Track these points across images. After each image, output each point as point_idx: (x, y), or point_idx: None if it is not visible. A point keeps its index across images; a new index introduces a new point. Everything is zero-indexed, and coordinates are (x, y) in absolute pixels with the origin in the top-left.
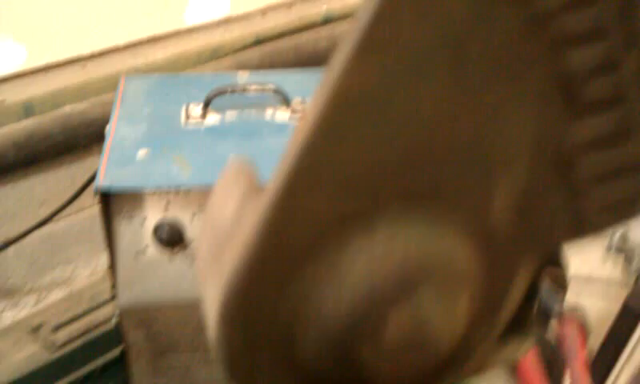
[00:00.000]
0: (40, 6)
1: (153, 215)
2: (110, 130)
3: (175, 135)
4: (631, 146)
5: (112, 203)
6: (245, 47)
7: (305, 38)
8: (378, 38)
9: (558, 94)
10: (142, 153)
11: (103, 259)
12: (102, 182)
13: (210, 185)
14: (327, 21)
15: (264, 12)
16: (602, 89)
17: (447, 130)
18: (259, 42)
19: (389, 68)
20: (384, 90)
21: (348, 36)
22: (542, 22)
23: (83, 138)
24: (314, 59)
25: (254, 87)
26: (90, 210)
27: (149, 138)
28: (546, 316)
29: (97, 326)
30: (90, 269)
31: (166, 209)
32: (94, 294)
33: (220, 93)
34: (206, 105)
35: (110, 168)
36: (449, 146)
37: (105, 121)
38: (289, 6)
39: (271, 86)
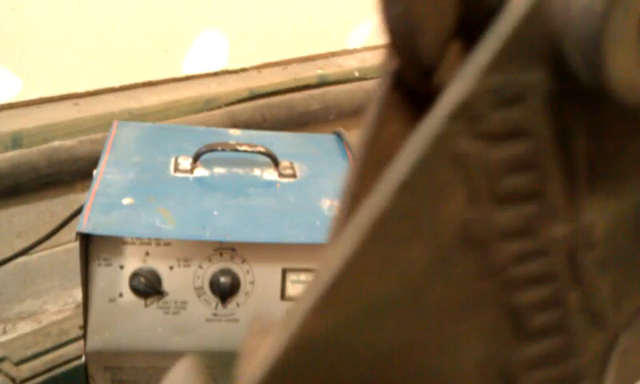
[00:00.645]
0: (41, 41)
1: (131, 263)
2: (98, 173)
3: (162, 186)
4: (571, 364)
5: (91, 246)
6: (238, 101)
7: (298, 97)
8: (340, 293)
9: (507, 325)
10: (127, 201)
11: (74, 296)
12: (84, 225)
13: (191, 239)
14: (321, 84)
15: (260, 69)
16: (547, 320)
17: (403, 361)
18: (253, 97)
19: (350, 316)
20: (344, 333)
21: (311, 288)
22: (495, 271)
23: (68, 174)
24: (305, 118)
25: (244, 147)
26: (65, 245)
27: (136, 186)
28: None
29: (62, 364)
30: (59, 305)
31: (145, 258)
32: (62, 331)
33: (210, 149)
34: (196, 159)
35: (94, 212)
36: (403, 375)
37: (92, 159)
38: (284, 65)
39: (261, 149)
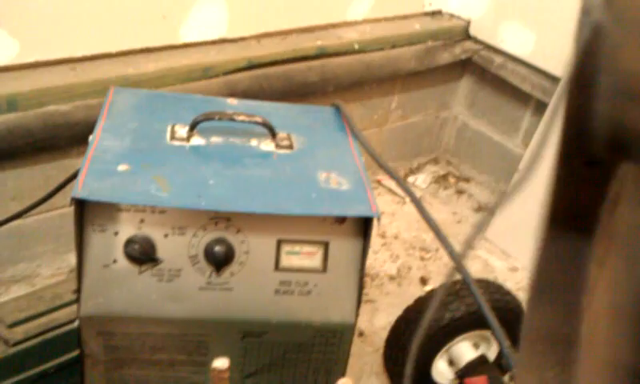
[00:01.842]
0: (38, 4)
1: (125, 230)
2: (94, 139)
3: (158, 154)
4: None
5: (86, 212)
6: (236, 70)
7: (296, 68)
8: None
9: None
10: (122, 167)
11: (68, 261)
12: (79, 191)
13: (187, 207)
14: (320, 55)
15: (259, 38)
16: None
17: None
18: (251, 66)
19: None
20: None
21: None
22: None
23: (63, 139)
24: (303, 90)
25: (241, 117)
26: (60, 210)
27: (131, 153)
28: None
29: (55, 327)
30: (53, 269)
31: (140, 225)
32: (56, 295)
33: (207, 118)
34: (192, 128)
35: (89, 178)
36: None
37: (87, 124)
38: (284, 36)
39: (258, 119)
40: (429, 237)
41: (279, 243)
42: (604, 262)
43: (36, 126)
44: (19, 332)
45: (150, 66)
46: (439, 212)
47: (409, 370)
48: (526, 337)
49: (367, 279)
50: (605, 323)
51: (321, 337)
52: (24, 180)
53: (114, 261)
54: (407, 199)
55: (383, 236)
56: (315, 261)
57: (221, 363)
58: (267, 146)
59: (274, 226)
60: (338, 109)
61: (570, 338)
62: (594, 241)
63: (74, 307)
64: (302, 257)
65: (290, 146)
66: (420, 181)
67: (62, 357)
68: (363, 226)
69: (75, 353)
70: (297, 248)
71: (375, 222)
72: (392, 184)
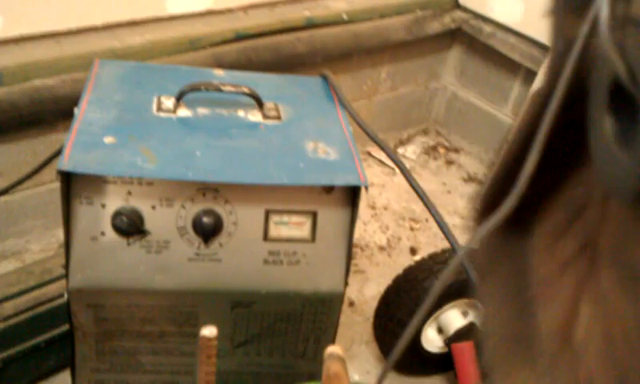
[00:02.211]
0: None
1: (113, 202)
2: (79, 112)
3: (144, 125)
4: None
5: (73, 185)
6: (223, 42)
7: (284, 39)
8: None
9: None
10: (109, 139)
11: (57, 236)
12: (65, 163)
13: (174, 179)
14: (308, 26)
15: (246, 10)
16: None
17: None
18: (239, 38)
19: None
20: None
21: None
22: None
23: (50, 114)
24: (291, 61)
25: (228, 87)
26: (48, 185)
27: (117, 125)
28: None
29: (45, 302)
30: (42, 244)
31: (127, 198)
32: (45, 270)
33: (194, 89)
34: (179, 99)
35: (75, 150)
36: None
37: (74, 98)
38: (271, 7)
39: (245, 89)
40: (418, 207)
41: (267, 213)
42: (583, 282)
43: (22, 101)
44: (9, 307)
45: (136, 38)
46: (429, 182)
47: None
48: (486, 341)
49: (357, 250)
50: (596, 356)
51: (310, 306)
52: (11, 155)
53: (102, 233)
54: (397, 170)
55: (373, 207)
56: (304, 231)
57: (209, 331)
58: (254, 116)
59: (262, 197)
60: (325, 79)
61: (529, 337)
62: (544, 239)
63: (64, 282)
64: (291, 227)
65: (278, 117)
66: (410, 152)
67: (52, 331)
68: (351, 195)
69: (66, 327)
70: (285, 218)
71: (363, 192)
72: (382, 155)
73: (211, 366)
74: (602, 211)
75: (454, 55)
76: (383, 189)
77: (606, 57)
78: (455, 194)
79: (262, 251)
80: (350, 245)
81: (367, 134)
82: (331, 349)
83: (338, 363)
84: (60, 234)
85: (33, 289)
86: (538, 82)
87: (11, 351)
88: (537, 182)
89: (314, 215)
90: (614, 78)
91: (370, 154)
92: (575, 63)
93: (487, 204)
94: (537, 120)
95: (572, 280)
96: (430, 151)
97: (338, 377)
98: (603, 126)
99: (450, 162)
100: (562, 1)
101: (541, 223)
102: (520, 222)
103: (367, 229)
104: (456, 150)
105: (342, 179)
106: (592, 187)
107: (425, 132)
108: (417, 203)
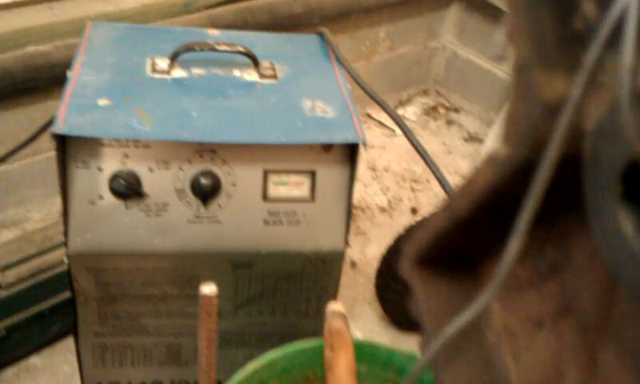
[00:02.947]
0: None
1: (109, 165)
2: (72, 75)
3: (139, 87)
4: None
5: (68, 149)
6: (219, 3)
7: (281, 0)
8: None
9: None
10: (103, 102)
11: (57, 204)
12: (60, 126)
13: (170, 139)
14: None
15: None
16: None
17: None
18: None
19: None
20: None
21: None
22: None
23: (44, 81)
24: (288, 22)
25: (223, 47)
26: (46, 153)
27: (112, 87)
28: None
29: (47, 269)
30: (43, 213)
31: (124, 160)
32: (46, 237)
33: (188, 49)
34: (173, 59)
35: (69, 114)
36: None
37: (69, 65)
38: None
39: (240, 48)
40: (419, 168)
41: (266, 173)
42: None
43: (16, 69)
44: (11, 275)
45: (129, 2)
46: (429, 143)
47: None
48: None
49: (358, 212)
50: None
51: (311, 265)
52: (8, 124)
53: (100, 197)
54: (397, 132)
55: (373, 169)
56: (303, 190)
57: (208, 289)
58: (250, 75)
59: (260, 157)
60: (322, 36)
61: None
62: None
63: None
64: (290, 187)
65: (274, 76)
66: (410, 113)
67: (56, 298)
68: (350, 153)
69: (69, 293)
70: (284, 178)
71: (363, 153)
72: (382, 117)
73: (212, 323)
74: (590, 285)
75: (453, 13)
76: (383, 150)
77: (624, 137)
78: (456, 154)
79: (262, 212)
80: (350, 203)
81: (366, 91)
82: (333, 306)
83: (339, 319)
84: (60, 202)
85: (34, 257)
86: (491, 141)
87: (15, 319)
88: (491, 231)
89: (313, 174)
90: (632, 161)
91: (369, 115)
92: (565, 135)
93: (422, 257)
94: (499, 189)
95: (552, 341)
96: (430, 112)
97: (339, 332)
98: (618, 217)
99: (450, 122)
100: (536, 55)
101: (489, 268)
102: (466, 267)
103: (368, 191)
104: (456, 110)
105: (340, 137)
106: (573, 254)
107: (425, 92)
108: (417, 164)
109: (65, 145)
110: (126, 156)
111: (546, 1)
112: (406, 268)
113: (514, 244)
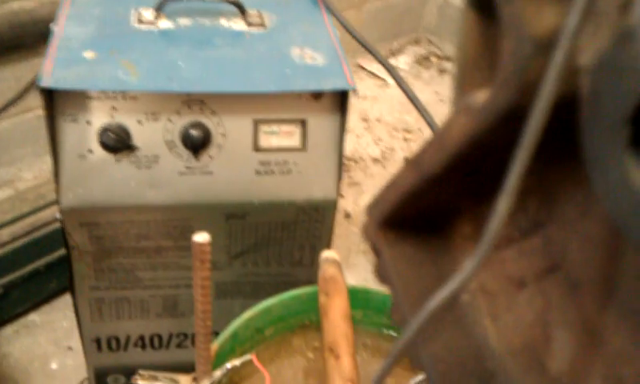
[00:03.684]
0: None
1: (98, 119)
2: (57, 28)
3: (125, 39)
4: None
5: (56, 103)
6: None
7: None
8: None
9: None
10: (89, 54)
11: (48, 162)
12: (45, 80)
13: (157, 91)
14: None
15: None
16: None
17: None
18: None
19: None
20: None
21: None
22: None
23: (30, 37)
24: None
25: None
26: (35, 111)
27: (97, 39)
28: None
29: (41, 227)
30: (35, 171)
31: (112, 113)
32: (39, 195)
33: None
34: (159, 10)
35: (55, 67)
36: None
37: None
38: None
39: None
40: (412, 118)
41: (256, 123)
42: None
43: (1, 26)
44: (5, 234)
45: None
46: (422, 92)
47: None
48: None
49: (351, 163)
50: None
51: (304, 214)
52: None
53: (90, 151)
54: (389, 82)
55: (365, 120)
56: (294, 140)
57: (201, 237)
58: (238, 25)
59: (250, 106)
60: None
61: (477, 353)
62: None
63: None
64: (281, 136)
65: (262, 24)
66: (402, 62)
67: (51, 255)
68: (340, 101)
69: (63, 250)
70: (274, 127)
71: (355, 104)
72: (373, 67)
73: (205, 271)
74: (581, 241)
75: None
76: (375, 101)
77: (635, 71)
78: (449, 102)
79: (253, 162)
80: (341, 152)
81: (356, 39)
82: (326, 253)
83: (333, 266)
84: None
85: (28, 215)
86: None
87: (11, 277)
88: (466, 189)
89: (304, 123)
90: None
91: (361, 66)
92: (560, 74)
93: (388, 219)
94: (478, 140)
95: (537, 301)
96: (422, 61)
97: (333, 279)
98: (625, 166)
99: (442, 71)
100: None
101: (462, 229)
102: (437, 228)
103: (360, 142)
104: (448, 59)
105: (330, 84)
106: (560, 207)
107: (416, 41)
108: (410, 114)
109: (52, 99)
110: (114, 109)
111: None
112: (371, 230)
113: (503, 203)
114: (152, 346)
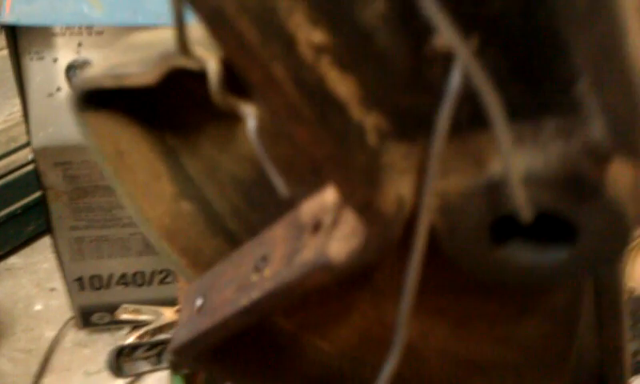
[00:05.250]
0: None
1: (64, 56)
2: None
3: None
4: None
5: (20, 40)
6: None
7: None
8: None
9: None
10: None
11: (18, 104)
12: (7, 15)
13: (122, 24)
14: None
15: None
16: None
17: None
18: None
19: None
20: None
21: None
22: None
23: None
24: None
25: None
26: (1, 52)
27: None
28: None
29: (14, 170)
30: (4, 115)
31: (78, 50)
32: (10, 138)
33: None
34: None
35: (16, 2)
36: None
37: None
38: None
39: None
40: None
41: None
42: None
43: None
44: None
45: None
46: None
47: None
48: None
49: None
50: None
51: None
52: None
53: (58, 89)
54: None
55: None
56: None
57: None
58: None
59: None
60: None
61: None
62: None
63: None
64: None
65: None
66: None
67: (26, 197)
68: None
69: (40, 192)
70: None
71: None
72: None
73: None
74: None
75: None
76: None
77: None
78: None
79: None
80: None
81: None
82: None
83: None
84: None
85: (0, 158)
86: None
87: None
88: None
89: None
90: None
91: None
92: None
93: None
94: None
95: None
96: None
97: None
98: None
99: None
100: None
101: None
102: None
103: None
104: None
105: None
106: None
107: None
108: None
109: (16, 37)
110: (80, 45)
111: None
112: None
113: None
114: (135, 283)
